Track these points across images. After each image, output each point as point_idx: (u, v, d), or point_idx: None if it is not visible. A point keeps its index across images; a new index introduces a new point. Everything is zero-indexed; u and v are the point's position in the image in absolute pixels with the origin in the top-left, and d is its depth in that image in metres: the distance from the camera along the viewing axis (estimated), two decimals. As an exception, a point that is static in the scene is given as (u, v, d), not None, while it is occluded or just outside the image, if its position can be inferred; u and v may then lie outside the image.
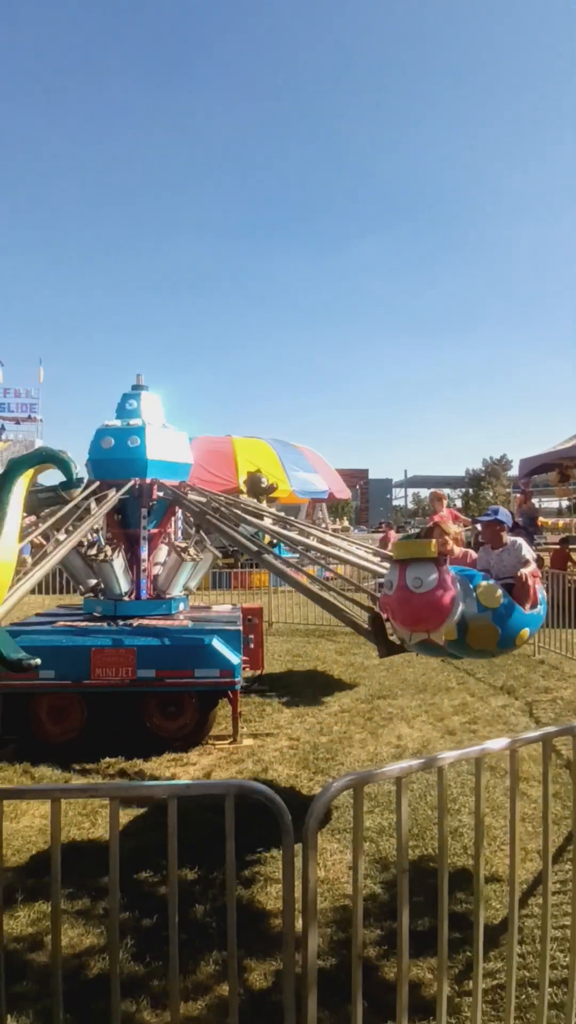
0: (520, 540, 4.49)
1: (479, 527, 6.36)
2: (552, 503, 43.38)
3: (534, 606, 4.16)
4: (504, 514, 4.60)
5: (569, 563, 12.69)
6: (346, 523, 23.17)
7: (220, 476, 17.84)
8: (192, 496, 6.97)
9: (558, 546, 13.88)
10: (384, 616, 4.12)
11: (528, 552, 4.45)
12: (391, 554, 4.30)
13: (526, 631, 4.09)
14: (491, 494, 51.42)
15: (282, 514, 7.82)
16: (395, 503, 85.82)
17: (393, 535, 17.97)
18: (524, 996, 2.98)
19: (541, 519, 29.66)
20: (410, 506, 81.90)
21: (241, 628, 6.65)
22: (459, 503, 60.97)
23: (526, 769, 5.31)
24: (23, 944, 3.36)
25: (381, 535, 19.56)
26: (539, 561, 13.91)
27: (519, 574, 4.15)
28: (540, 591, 4.28)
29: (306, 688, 8.27)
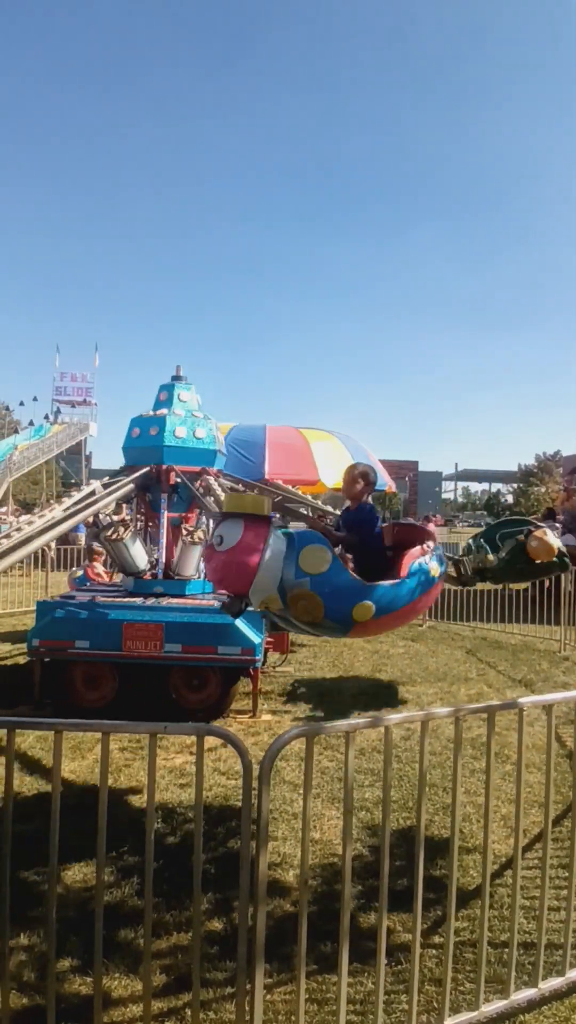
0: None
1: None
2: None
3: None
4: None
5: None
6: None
7: (296, 471, 17.93)
8: (223, 482, 7.31)
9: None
10: None
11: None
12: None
13: (367, 604, 3.62)
14: (543, 490, 50.60)
15: (317, 503, 8.14)
16: (444, 496, 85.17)
17: (432, 527, 18.10)
18: (486, 954, 3.28)
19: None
20: (459, 500, 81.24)
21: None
22: (510, 499, 60.22)
23: (528, 757, 5.55)
24: (42, 876, 3.79)
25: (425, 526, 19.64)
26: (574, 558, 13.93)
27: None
28: (415, 564, 3.91)
29: (330, 672, 8.61)
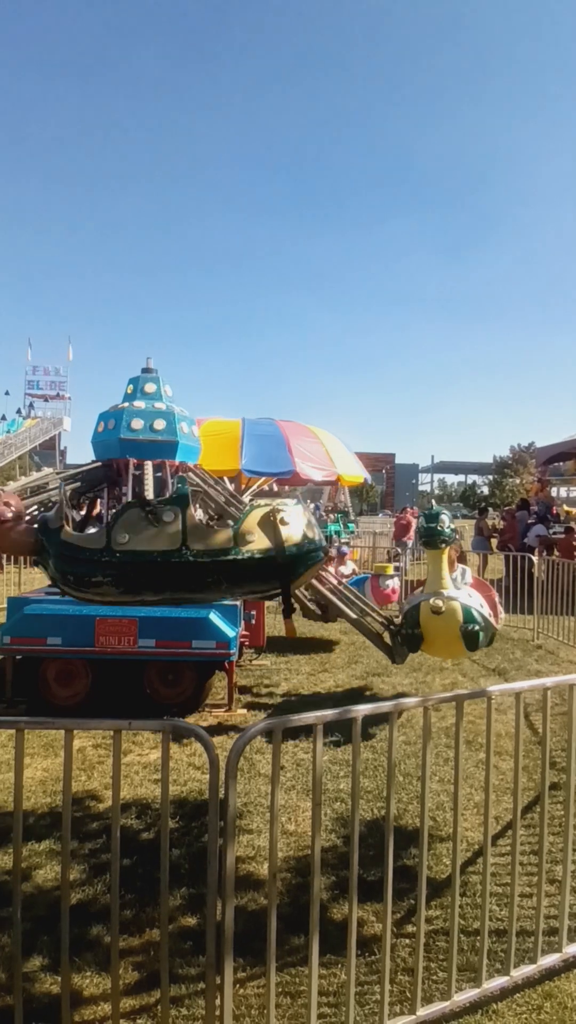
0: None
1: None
2: (579, 492, 42.92)
3: None
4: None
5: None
6: None
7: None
8: (191, 476, 7.24)
9: (563, 535, 14.03)
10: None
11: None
12: None
13: None
14: (517, 481, 51.02)
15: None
16: (421, 488, 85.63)
17: (411, 519, 18.15)
18: (458, 942, 3.28)
19: (566, 508, 29.50)
20: (436, 491, 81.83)
21: (240, 604, 6.98)
22: (486, 490, 60.67)
23: (501, 745, 5.59)
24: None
25: (401, 518, 19.65)
26: (551, 548, 14.09)
27: None
28: None
29: (306, 664, 8.60)
